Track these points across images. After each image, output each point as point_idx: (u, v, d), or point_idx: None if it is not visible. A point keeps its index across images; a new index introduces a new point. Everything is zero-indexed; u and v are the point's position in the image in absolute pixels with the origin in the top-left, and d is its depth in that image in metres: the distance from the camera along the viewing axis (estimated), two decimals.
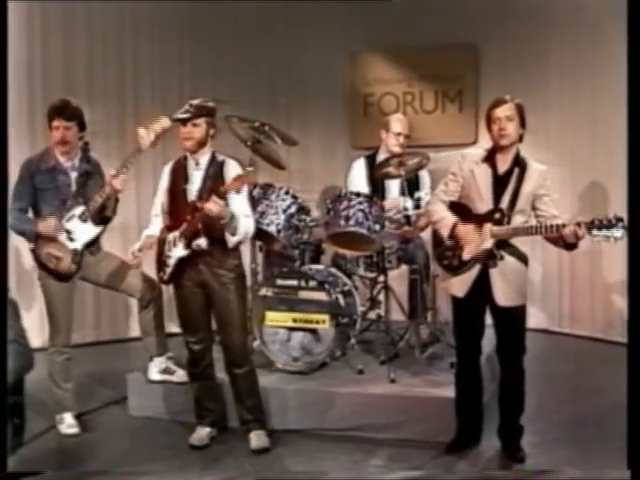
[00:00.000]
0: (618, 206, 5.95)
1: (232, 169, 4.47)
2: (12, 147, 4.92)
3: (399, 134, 5.78)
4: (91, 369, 5.91)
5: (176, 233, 4.43)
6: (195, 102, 4.45)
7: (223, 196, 4.24)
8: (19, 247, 5.75)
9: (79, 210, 4.76)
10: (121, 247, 5.74)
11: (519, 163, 4.13)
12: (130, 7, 7.07)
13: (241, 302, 4.55)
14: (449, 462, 4.30)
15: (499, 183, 4.12)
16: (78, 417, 4.90)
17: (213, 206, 4.21)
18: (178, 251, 4.42)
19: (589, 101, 6.71)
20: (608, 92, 6.32)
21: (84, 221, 4.76)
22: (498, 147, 4.14)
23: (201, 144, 4.44)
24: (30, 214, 4.82)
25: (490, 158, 4.17)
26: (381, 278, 5.59)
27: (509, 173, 4.12)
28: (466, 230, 4.13)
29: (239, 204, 4.41)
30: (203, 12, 7.22)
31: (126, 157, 4.76)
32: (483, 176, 4.15)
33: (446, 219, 4.21)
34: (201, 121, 4.40)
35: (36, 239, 4.74)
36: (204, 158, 4.48)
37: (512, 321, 4.19)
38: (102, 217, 4.82)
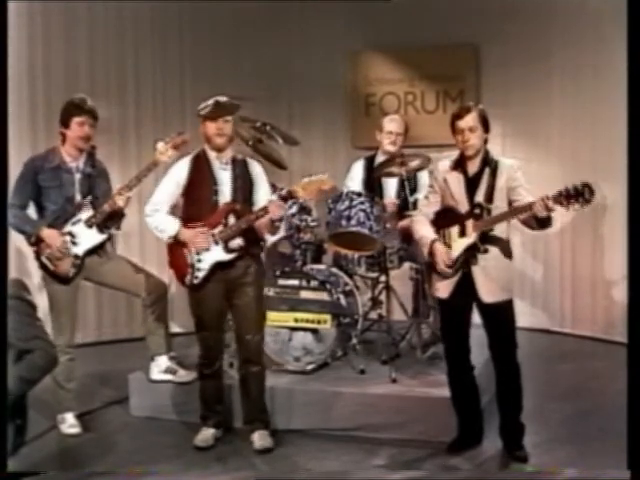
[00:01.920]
0: (619, 206, 5.97)
1: (259, 170, 4.56)
2: (13, 147, 4.92)
3: (390, 132, 5.81)
4: (92, 369, 5.91)
5: (211, 234, 4.41)
6: (222, 99, 4.46)
7: (288, 200, 4.33)
8: (21, 248, 5.75)
9: (86, 215, 4.76)
10: (122, 249, 5.76)
11: (489, 163, 4.22)
12: (130, 8, 7.07)
13: (262, 300, 4.61)
14: (450, 462, 4.30)
15: (471, 184, 4.22)
16: (79, 417, 4.91)
17: (279, 210, 4.28)
18: (216, 254, 4.40)
19: (590, 101, 6.70)
20: (610, 92, 6.31)
21: (89, 227, 4.76)
22: (464, 156, 4.24)
23: (230, 140, 4.48)
24: (32, 210, 4.82)
25: (460, 164, 4.27)
26: (382, 278, 5.59)
27: (480, 173, 4.22)
28: (440, 250, 4.20)
29: None
30: (203, 12, 7.22)
31: (141, 170, 4.74)
32: (455, 181, 4.25)
33: (424, 238, 4.29)
34: (230, 117, 4.45)
35: (38, 239, 4.75)
36: (228, 157, 4.49)
37: (500, 317, 4.23)
38: (106, 226, 4.82)
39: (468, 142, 4.16)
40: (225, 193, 4.44)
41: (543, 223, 4.06)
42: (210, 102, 4.45)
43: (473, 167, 4.23)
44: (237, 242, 4.41)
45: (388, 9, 7.15)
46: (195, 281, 4.44)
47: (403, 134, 5.83)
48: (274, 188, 5.48)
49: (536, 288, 7.19)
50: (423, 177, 5.70)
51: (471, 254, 4.17)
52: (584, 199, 3.86)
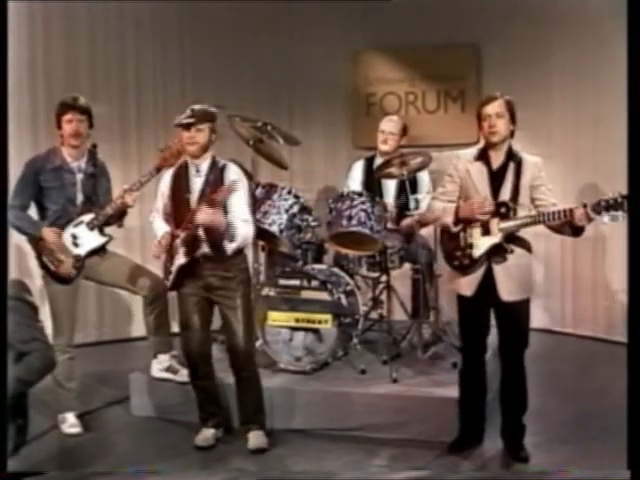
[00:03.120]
0: None
1: (232, 174, 4.47)
2: (13, 147, 4.92)
3: (382, 131, 5.83)
4: (93, 369, 5.91)
5: (177, 241, 4.44)
6: (197, 107, 4.46)
7: (214, 205, 4.26)
8: (22, 247, 5.75)
9: (88, 217, 4.77)
10: (124, 249, 5.75)
11: (513, 157, 4.18)
12: (131, 8, 7.06)
13: (246, 306, 4.56)
14: (451, 462, 4.30)
15: (495, 178, 4.18)
16: (80, 417, 4.92)
17: (202, 216, 4.26)
18: (179, 258, 4.44)
19: (591, 101, 6.70)
20: (610, 92, 6.31)
21: (91, 229, 4.78)
22: (489, 144, 4.20)
23: (204, 149, 4.45)
24: (33, 211, 4.83)
25: (483, 155, 4.22)
26: (383, 278, 5.59)
27: (504, 168, 4.18)
28: (470, 207, 4.15)
29: (237, 209, 4.41)
30: (204, 12, 7.21)
31: (143, 174, 4.78)
32: (479, 173, 4.20)
33: (448, 208, 4.25)
34: (204, 126, 4.42)
35: (39, 239, 4.75)
36: (205, 164, 4.48)
37: (515, 315, 4.20)
38: (108, 224, 4.86)
39: (494, 128, 4.12)
40: (194, 200, 4.45)
41: (578, 230, 4.03)
42: (187, 111, 4.47)
43: (497, 160, 4.18)
44: (203, 249, 4.42)
45: (389, 9, 7.15)
46: (169, 284, 4.55)
47: (398, 134, 5.83)
48: (275, 187, 5.49)
49: (537, 288, 7.14)
50: (423, 177, 5.72)
51: (495, 253, 4.13)
52: (623, 210, 3.83)
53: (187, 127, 4.40)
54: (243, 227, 4.40)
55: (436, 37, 7.20)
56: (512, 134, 4.21)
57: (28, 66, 6.69)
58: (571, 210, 3.94)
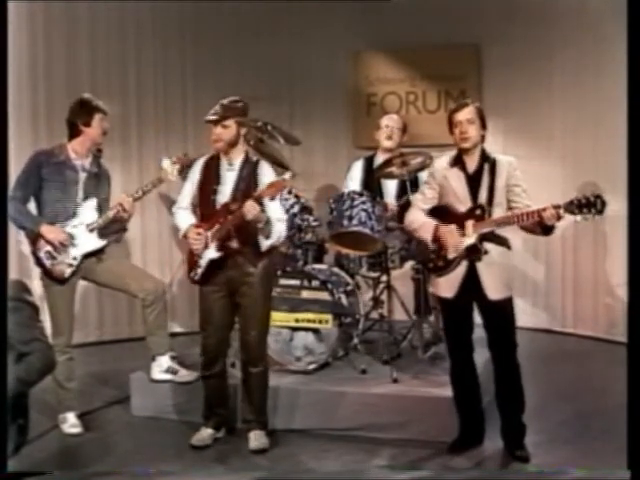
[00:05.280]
0: (620, 205, 5.95)
1: (266, 172, 4.51)
2: (14, 147, 4.92)
3: (387, 126, 5.84)
4: (94, 369, 5.92)
5: (207, 234, 4.42)
6: (225, 102, 4.46)
7: (259, 201, 4.26)
8: (22, 248, 5.75)
9: (89, 219, 4.77)
10: (124, 250, 5.76)
11: (487, 159, 4.26)
12: (132, 7, 7.06)
13: (267, 301, 4.58)
14: (452, 462, 4.30)
15: (472, 181, 4.24)
16: (81, 417, 4.91)
17: (249, 210, 4.24)
18: (210, 253, 4.42)
19: (592, 101, 6.70)
20: (611, 92, 6.31)
21: (90, 231, 4.77)
22: (462, 150, 4.27)
23: (231, 145, 4.45)
24: (32, 203, 4.81)
25: (458, 161, 4.29)
26: (384, 278, 5.59)
27: (479, 170, 4.25)
28: (448, 231, 4.20)
29: (273, 208, 4.43)
30: (205, 13, 7.22)
31: (146, 184, 4.81)
32: (456, 178, 4.26)
33: (427, 224, 4.29)
34: (230, 122, 4.41)
35: (38, 235, 4.74)
36: (238, 159, 4.49)
37: (502, 314, 4.24)
38: (106, 233, 4.86)
39: (466, 134, 4.19)
40: (225, 194, 4.45)
41: (548, 230, 4.08)
42: (216, 107, 4.47)
43: (472, 164, 4.25)
44: (231, 242, 4.41)
45: (389, 9, 7.16)
46: (195, 277, 4.51)
47: (401, 129, 5.84)
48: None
49: (538, 288, 7.19)
50: (423, 177, 5.70)
51: (471, 254, 4.17)
52: (596, 210, 3.88)
53: (214, 123, 4.41)
54: (278, 225, 4.44)
55: (436, 37, 7.21)
56: (483, 139, 4.29)
57: (29, 66, 6.69)
58: (543, 210, 3.98)
